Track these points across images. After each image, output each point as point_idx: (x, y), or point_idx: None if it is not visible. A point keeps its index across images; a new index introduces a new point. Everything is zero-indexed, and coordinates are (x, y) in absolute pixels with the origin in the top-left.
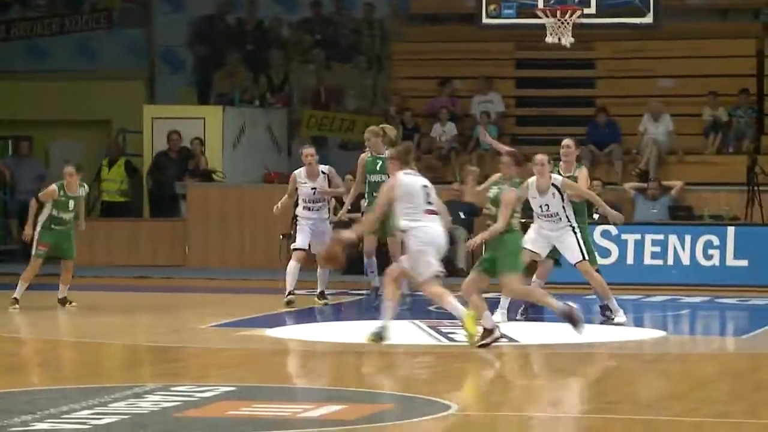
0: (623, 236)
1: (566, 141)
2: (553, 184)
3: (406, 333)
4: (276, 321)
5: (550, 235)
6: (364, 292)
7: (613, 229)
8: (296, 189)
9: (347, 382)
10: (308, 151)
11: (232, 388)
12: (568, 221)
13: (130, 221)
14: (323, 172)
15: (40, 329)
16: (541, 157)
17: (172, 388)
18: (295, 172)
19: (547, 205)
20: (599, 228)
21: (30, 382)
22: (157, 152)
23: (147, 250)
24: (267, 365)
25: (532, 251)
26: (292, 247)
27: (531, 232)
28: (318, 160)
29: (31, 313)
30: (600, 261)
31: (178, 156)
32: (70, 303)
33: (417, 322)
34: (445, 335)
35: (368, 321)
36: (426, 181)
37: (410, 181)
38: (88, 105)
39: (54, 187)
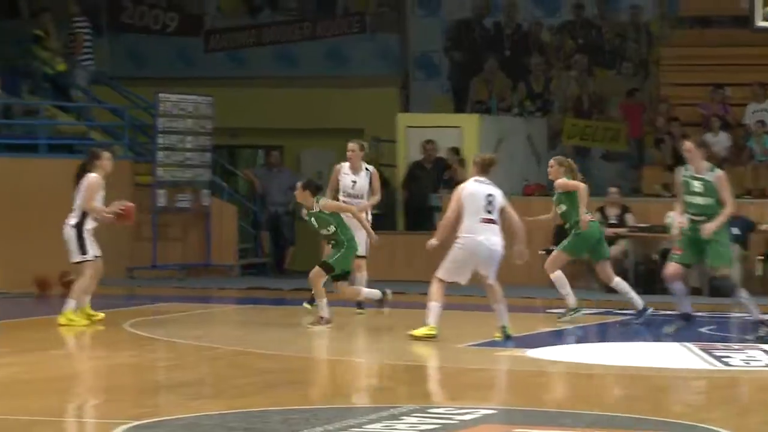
0: None
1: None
2: None
3: (676, 356)
4: (536, 341)
5: None
6: (629, 312)
7: None
8: (339, 181)
9: (611, 406)
10: (351, 146)
11: (493, 411)
12: None
13: (383, 234)
14: (367, 169)
15: (292, 346)
16: None
17: (430, 410)
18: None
19: None
20: None
21: (283, 401)
22: (412, 162)
23: (401, 265)
24: (527, 387)
25: None
26: None
27: None
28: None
29: (285, 330)
30: None
31: (433, 167)
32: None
33: (687, 344)
34: (718, 359)
35: (634, 342)
36: (493, 190)
37: (475, 189)
38: (340, 113)
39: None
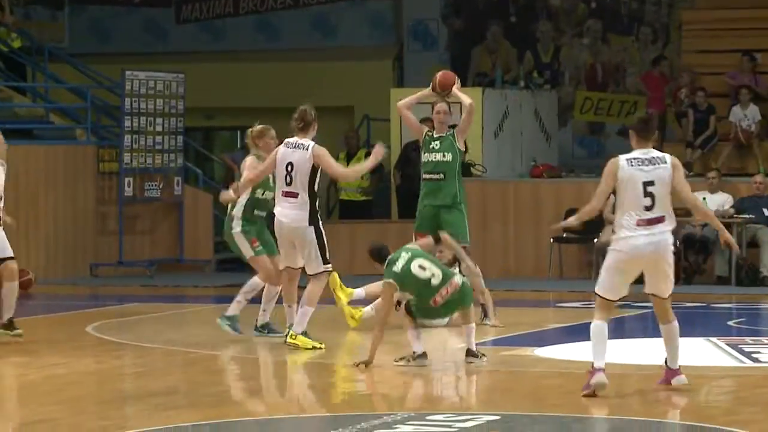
0: None
1: None
2: None
3: (700, 352)
4: (545, 338)
5: None
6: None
7: None
8: None
9: (629, 409)
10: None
11: (496, 417)
12: None
13: (374, 223)
14: None
15: (273, 350)
16: None
17: (428, 417)
18: None
19: None
20: None
21: (264, 410)
22: (406, 143)
23: None
24: (536, 390)
25: None
26: None
27: None
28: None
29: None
30: None
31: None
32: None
33: (713, 339)
34: (747, 355)
35: (654, 338)
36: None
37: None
38: (327, 89)
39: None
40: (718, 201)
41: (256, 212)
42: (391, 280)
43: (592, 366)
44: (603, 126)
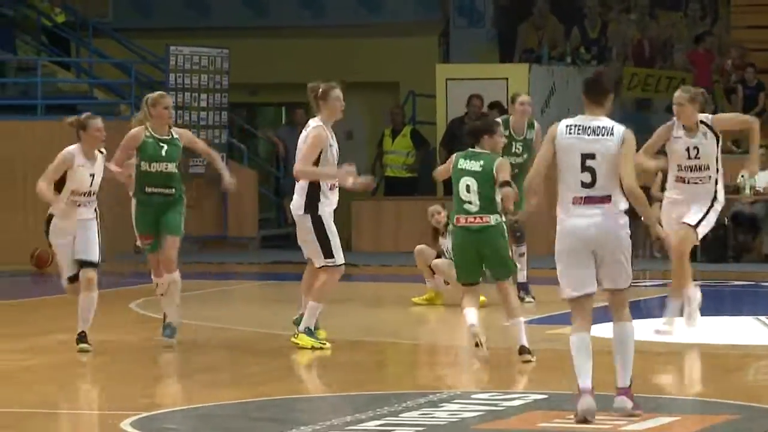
0: None
1: None
2: None
3: (749, 331)
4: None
5: None
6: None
7: None
8: None
9: (674, 388)
10: None
11: (544, 396)
12: None
13: (420, 200)
14: None
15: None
16: None
17: (473, 396)
18: None
19: None
20: None
21: (308, 388)
22: (453, 119)
23: None
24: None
25: None
26: None
27: None
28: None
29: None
30: None
31: (477, 121)
32: None
33: (762, 318)
34: None
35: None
36: None
37: None
38: (372, 65)
39: None
40: (766, 178)
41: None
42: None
43: (578, 387)
44: (650, 102)
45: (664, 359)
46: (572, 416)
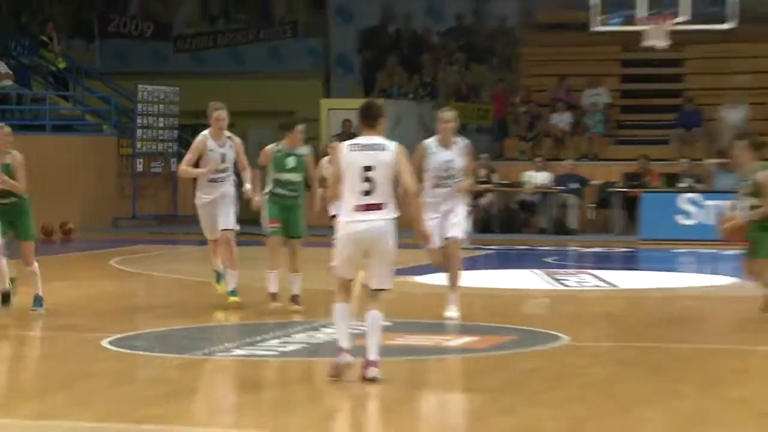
0: (705, 203)
1: None
2: None
3: (527, 280)
4: (425, 271)
5: None
6: (494, 247)
7: (698, 197)
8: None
9: (480, 318)
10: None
11: (389, 323)
12: None
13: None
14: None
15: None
16: None
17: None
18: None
19: None
20: (686, 195)
21: (238, 318)
22: (332, 135)
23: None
24: (418, 305)
25: None
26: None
27: None
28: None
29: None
30: (685, 222)
31: (348, 138)
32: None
33: (536, 271)
34: (558, 281)
35: (498, 270)
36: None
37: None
38: (277, 99)
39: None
40: (542, 177)
41: None
42: None
43: (338, 346)
44: (466, 126)
45: (468, 300)
46: (410, 336)
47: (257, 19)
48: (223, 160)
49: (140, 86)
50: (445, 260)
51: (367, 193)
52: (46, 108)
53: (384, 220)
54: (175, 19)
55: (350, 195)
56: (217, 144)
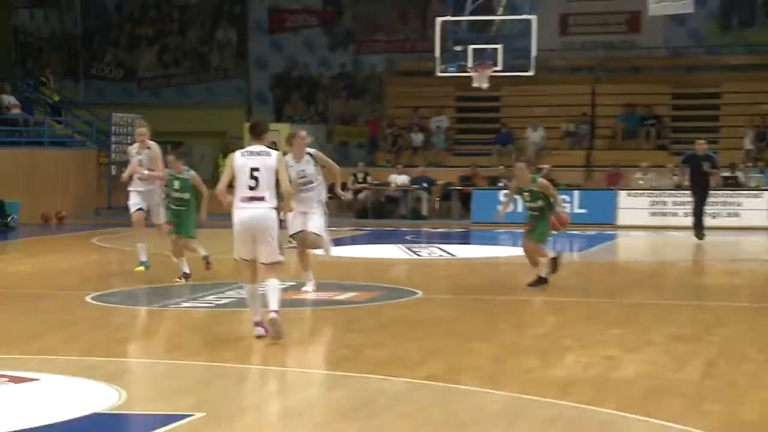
0: (515, 197)
1: None
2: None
3: (393, 252)
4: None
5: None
6: (369, 229)
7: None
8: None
9: (359, 279)
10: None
11: (293, 283)
12: None
13: None
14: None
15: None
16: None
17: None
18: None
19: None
20: (503, 191)
21: (192, 282)
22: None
23: None
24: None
25: None
26: None
27: None
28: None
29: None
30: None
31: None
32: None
33: (400, 245)
34: (414, 252)
35: (375, 245)
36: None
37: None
38: (212, 123)
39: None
40: (402, 179)
41: None
42: None
43: (253, 321)
44: (348, 142)
45: (350, 266)
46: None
47: (198, 66)
48: (141, 164)
49: (114, 114)
50: (302, 248)
51: (252, 188)
52: (45, 129)
53: (265, 208)
54: (139, 66)
55: (240, 190)
56: (136, 151)
